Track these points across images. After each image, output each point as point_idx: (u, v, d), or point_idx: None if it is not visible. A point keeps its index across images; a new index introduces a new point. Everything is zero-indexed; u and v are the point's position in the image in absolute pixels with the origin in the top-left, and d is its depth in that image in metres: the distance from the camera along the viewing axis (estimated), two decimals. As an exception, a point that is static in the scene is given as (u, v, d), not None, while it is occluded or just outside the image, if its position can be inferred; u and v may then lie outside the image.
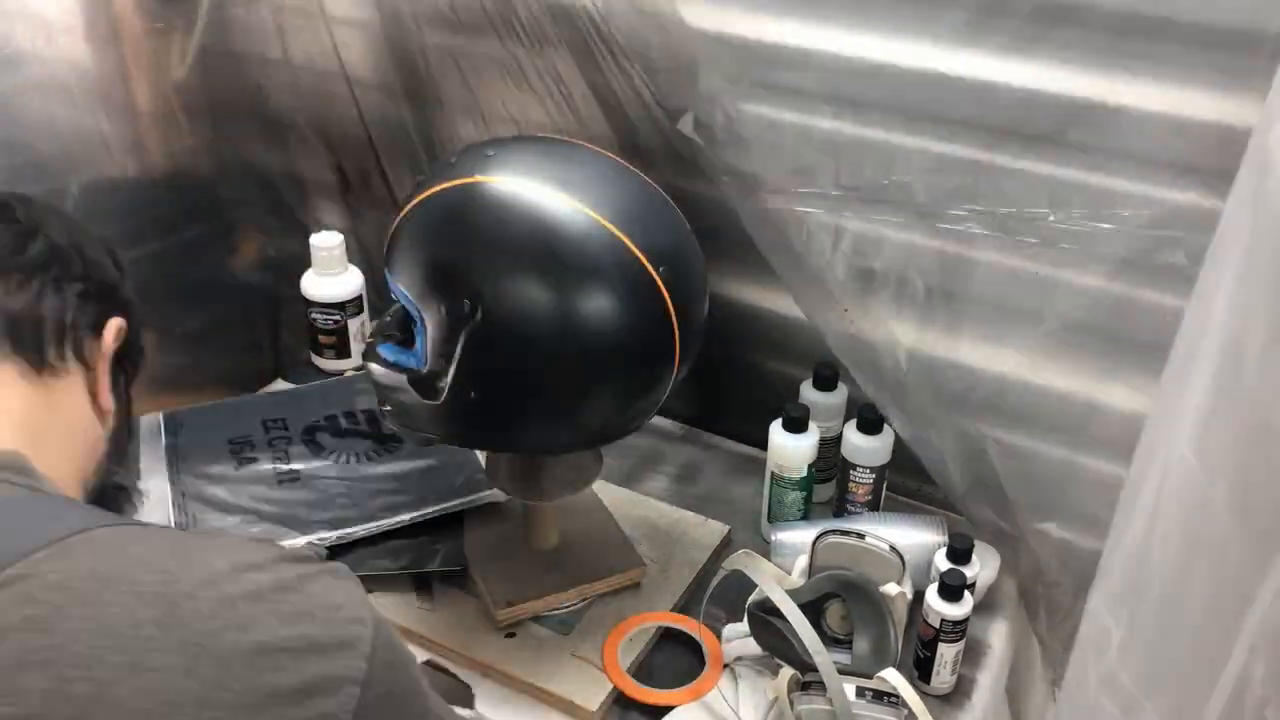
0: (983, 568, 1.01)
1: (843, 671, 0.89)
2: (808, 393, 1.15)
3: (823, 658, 0.87)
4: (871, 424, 1.08)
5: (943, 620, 0.94)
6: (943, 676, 0.98)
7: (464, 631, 1.02)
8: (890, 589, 0.94)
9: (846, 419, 1.13)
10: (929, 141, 0.97)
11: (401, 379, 0.93)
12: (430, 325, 0.88)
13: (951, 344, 1.04)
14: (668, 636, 1.04)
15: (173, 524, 1.07)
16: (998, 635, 1.05)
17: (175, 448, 1.19)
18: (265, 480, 1.15)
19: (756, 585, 0.95)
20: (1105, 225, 0.92)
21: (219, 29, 1.31)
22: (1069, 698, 0.86)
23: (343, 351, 1.38)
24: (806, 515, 1.12)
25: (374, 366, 0.96)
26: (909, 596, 0.96)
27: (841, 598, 0.97)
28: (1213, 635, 0.73)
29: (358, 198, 1.43)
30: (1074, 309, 0.97)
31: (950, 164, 0.97)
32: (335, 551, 1.08)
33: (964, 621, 0.95)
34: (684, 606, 1.06)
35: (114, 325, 0.80)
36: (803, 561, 0.99)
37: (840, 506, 1.14)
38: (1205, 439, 0.71)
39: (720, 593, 1.00)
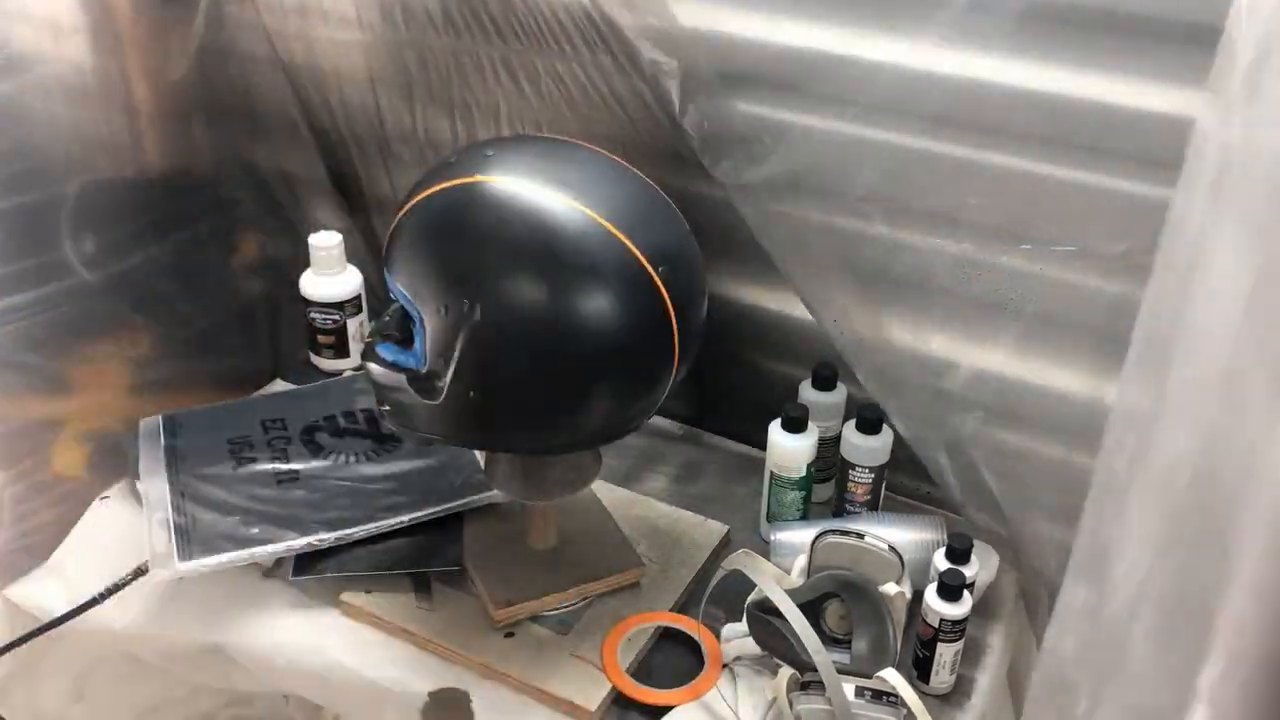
0: (982, 568, 1.01)
1: (842, 671, 0.89)
2: (807, 393, 1.15)
3: (822, 657, 0.87)
4: (870, 424, 1.08)
5: (941, 620, 0.94)
6: (942, 676, 0.98)
7: (463, 631, 1.02)
8: (889, 589, 0.94)
9: (845, 419, 1.13)
10: (929, 141, 0.97)
11: (400, 379, 0.93)
12: (429, 325, 0.88)
13: (951, 344, 1.04)
14: (667, 636, 1.04)
15: (171, 524, 1.07)
16: (997, 635, 1.05)
17: (174, 449, 1.18)
18: (264, 481, 1.15)
19: (755, 585, 0.95)
20: (1105, 225, 0.92)
21: (218, 29, 1.31)
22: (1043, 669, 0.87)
23: (341, 351, 1.38)
24: (805, 515, 1.12)
25: (373, 366, 0.96)
26: (908, 596, 0.96)
27: (840, 597, 0.97)
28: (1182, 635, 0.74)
29: (356, 197, 1.43)
30: (1072, 309, 0.97)
31: (951, 163, 0.97)
32: (334, 551, 1.08)
33: (963, 621, 0.95)
34: (683, 606, 1.06)
35: None
36: (802, 561, 0.99)
37: (839, 506, 1.14)
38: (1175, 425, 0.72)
39: (719, 593, 1.00)
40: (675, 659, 1.02)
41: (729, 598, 1.00)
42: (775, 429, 1.09)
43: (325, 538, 1.07)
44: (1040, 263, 0.96)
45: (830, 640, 0.98)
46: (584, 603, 1.05)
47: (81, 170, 1.18)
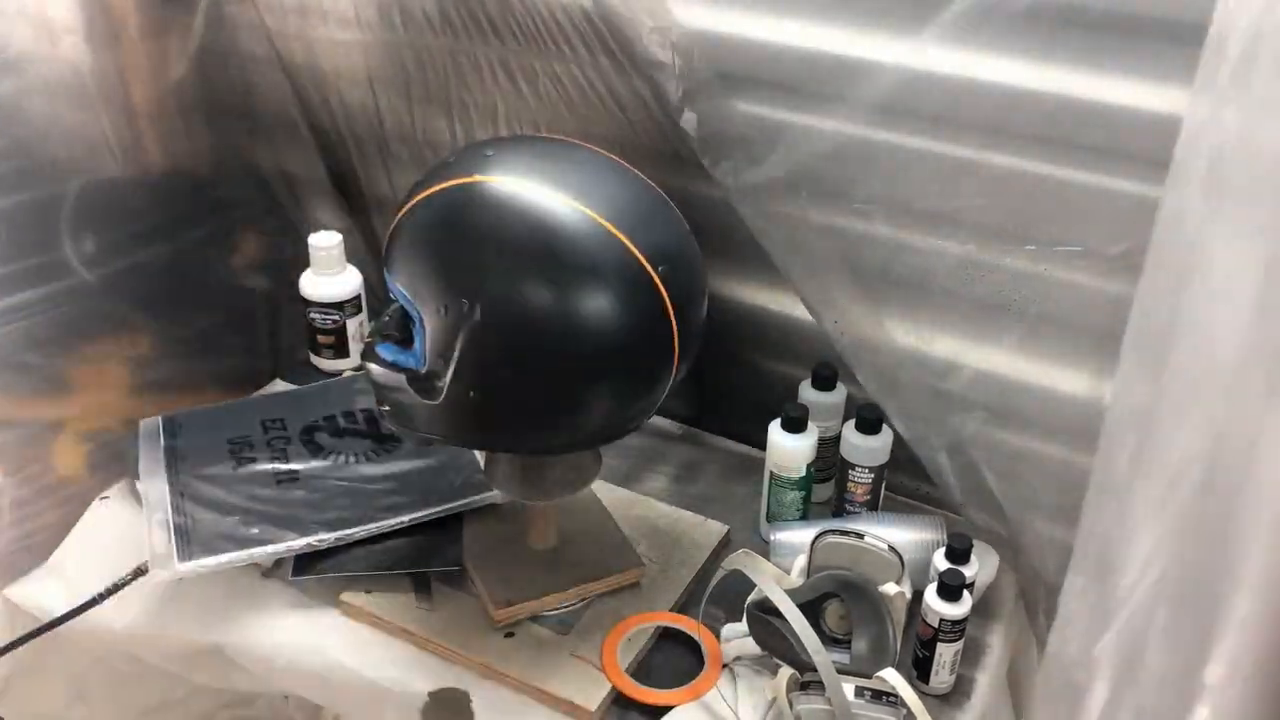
0: (982, 568, 1.01)
1: (841, 671, 0.89)
2: (806, 393, 1.15)
3: (822, 657, 0.87)
4: (870, 424, 1.08)
5: (941, 620, 0.94)
6: (941, 676, 0.98)
7: (463, 631, 1.02)
8: (889, 589, 0.94)
9: (845, 419, 1.13)
10: (930, 142, 0.97)
11: (400, 379, 0.93)
12: (429, 325, 0.88)
13: (951, 344, 1.04)
14: (667, 636, 1.04)
15: (170, 525, 1.07)
16: (997, 635, 1.05)
17: (174, 449, 1.18)
18: (264, 481, 1.15)
19: (755, 585, 0.95)
20: (1106, 225, 0.92)
21: (217, 29, 1.31)
22: (1046, 673, 0.87)
23: (341, 351, 1.38)
24: (805, 515, 1.12)
25: (372, 366, 0.96)
26: (908, 596, 0.96)
27: (840, 597, 0.97)
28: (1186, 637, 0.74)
29: (356, 198, 1.43)
30: (1072, 309, 0.97)
31: (951, 164, 0.97)
32: (334, 551, 1.08)
33: (963, 621, 0.95)
34: (683, 606, 1.06)
35: None
36: (801, 561, 0.99)
37: (839, 506, 1.14)
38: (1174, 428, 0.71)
39: (719, 593, 1.00)
40: (675, 659, 1.02)
41: (729, 598, 1.00)
42: (775, 429, 1.09)
43: (325, 538, 1.07)
44: (1041, 263, 0.96)
45: (830, 640, 0.98)
46: (584, 603, 1.05)
47: (81, 170, 1.18)
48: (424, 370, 0.90)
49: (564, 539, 1.09)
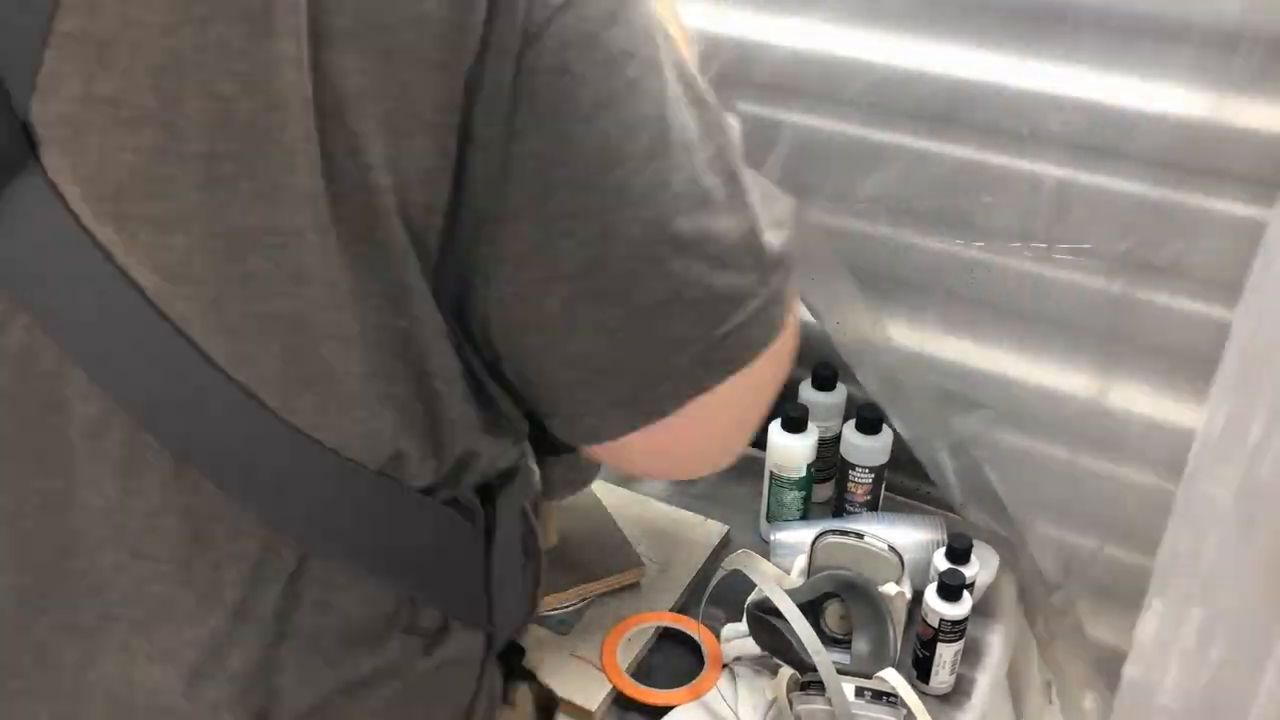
0: (982, 568, 1.01)
1: (842, 671, 0.89)
2: (806, 393, 1.15)
3: (822, 657, 0.87)
4: (870, 424, 1.08)
5: (941, 620, 0.94)
6: (941, 676, 0.97)
7: (463, 631, 1.02)
8: (889, 589, 0.94)
9: (845, 419, 1.12)
10: (930, 142, 0.97)
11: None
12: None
13: (950, 344, 1.04)
14: (667, 636, 1.04)
15: None
16: (997, 635, 1.05)
17: None
18: None
19: (755, 585, 0.95)
20: (1108, 225, 0.92)
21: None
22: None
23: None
24: (805, 515, 1.12)
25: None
26: (908, 596, 0.96)
27: (840, 598, 0.97)
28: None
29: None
30: (1073, 309, 0.97)
31: (951, 164, 0.97)
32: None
33: (963, 621, 0.95)
34: (683, 606, 1.06)
35: None
36: (801, 561, 0.99)
37: (839, 506, 1.14)
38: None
39: (719, 593, 1.00)
40: (675, 659, 1.02)
41: (729, 598, 1.00)
42: (775, 429, 1.09)
43: None
44: (1042, 263, 0.96)
45: (830, 640, 0.97)
46: (584, 603, 1.05)
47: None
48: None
49: (564, 539, 1.09)
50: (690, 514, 1.16)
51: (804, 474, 1.09)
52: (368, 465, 0.54)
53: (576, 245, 0.52)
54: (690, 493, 1.21)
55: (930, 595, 0.95)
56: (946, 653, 0.96)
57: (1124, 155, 0.89)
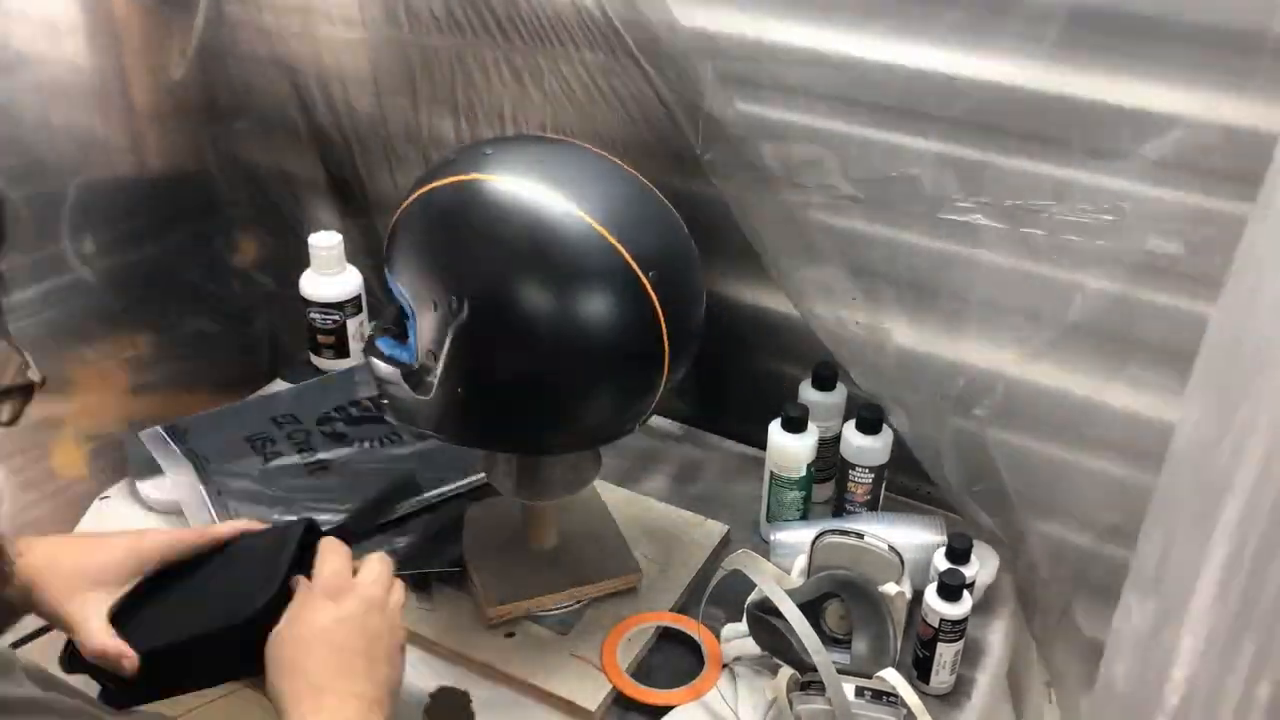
0: (981, 568, 1.01)
1: (842, 671, 0.89)
2: (807, 393, 1.15)
3: (822, 657, 0.87)
4: (870, 424, 1.08)
5: (941, 620, 0.94)
6: (941, 676, 0.97)
7: (464, 631, 1.02)
8: (889, 589, 0.94)
9: (845, 419, 1.13)
10: (929, 142, 0.97)
11: (397, 373, 0.93)
12: (421, 320, 0.88)
13: (949, 343, 1.05)
14: (666, 636, 1.04)
15: (214, 520, 1.07)
16: (996, 635, 1.05)
17: (194, 451, 1.19)
18: (295, 472, 1.16)
19: (755, 585, 0.95)
20: (1104, 224, 0.92)
21: (217, 29, 1.31)
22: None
23: (341, 351, 1.38)
24: (805, 515, 1.12)
25: (373, 360, 0.96)
26: (908, 596, 0.96)
27: (840, 597, 0.97)
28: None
29: (356, 197, 1.43)
30: (1072, 308, 0.97)
31: (950, 164, 0.97)
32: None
33: (963, 621, 0.95)
34: (683, 606, 1.06)
35: None
36: (801, 561, 0.99)
37: (839, 506, 1.14)
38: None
39: (719, 593, 1.00)
40: (675, 659, 1.02)
41: (729, 598, 1.00)
42: (775, 429, 1.09)
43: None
44: (1040, 261, 0.96)
45: (830, 640, 0.98)
46: (579, 604, 1.05)
47: (81, 170, 1.18)
48: (416, 365, 0.90)
49: (564, 539, 1.09)
50: (690, 514, 1.16)
51: (804, 474, 1.09)
52: None
53: None
54: (690, 493, 1.22)
55: (930, 595, 0.95)
56: (947, 653, 0.96)
57: (1122, 155, 0.89)
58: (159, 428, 1.22)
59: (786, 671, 0.92)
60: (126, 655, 0.80)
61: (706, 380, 1.22)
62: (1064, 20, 0.87)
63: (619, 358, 0.87)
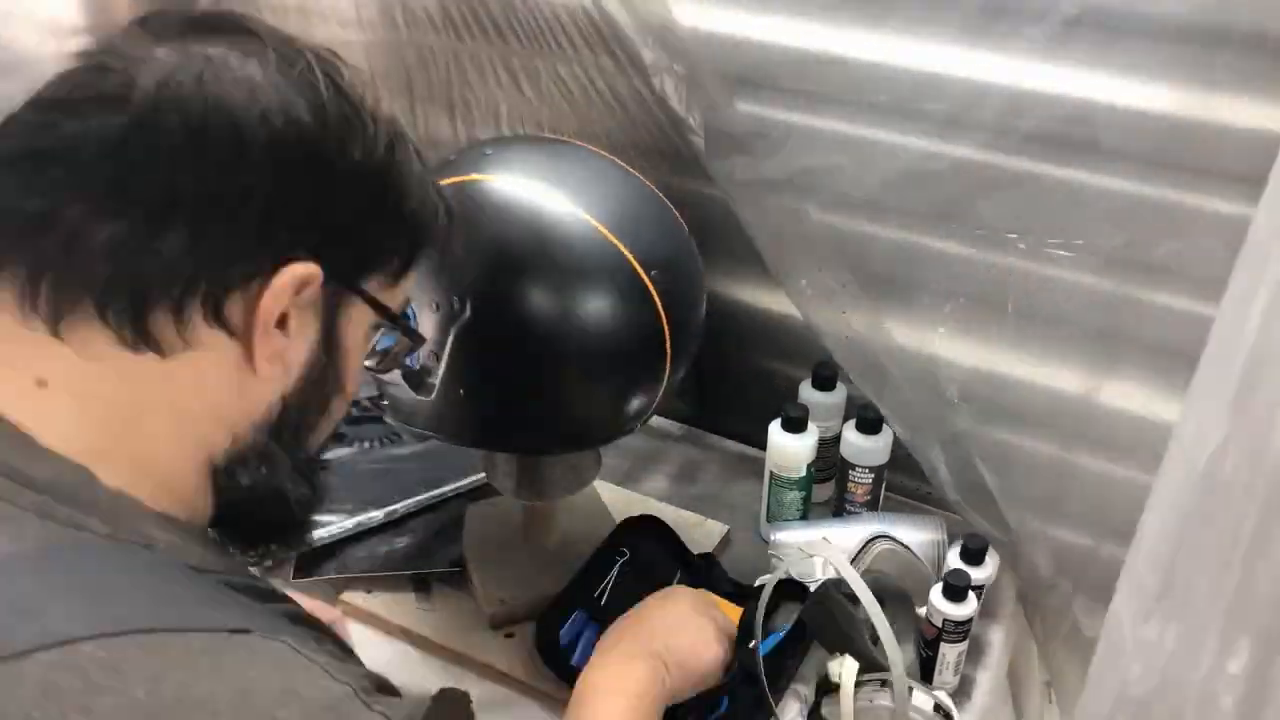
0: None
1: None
2: (807, 393, 1.15)
3: (899, 670, 0.84)
4: (870, 424, 1.08)
5: (945, 620, 0.94)
6: (945, 676, 0.97)
7: (464, 631, 1.02)
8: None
9: (845, 419, 1.13)
10: (929, 142, 0.97)
11: (396, 373, 0.93)
12: (423, 321, 0.88)
13: (948, 343, 1.04)
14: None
15: None
16: (997, 634, 1.05)
17: None
18: None
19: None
20: (1101, 224, 0.92)
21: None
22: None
23: (341, 352, 1.37)
24: (805, 515, 1.12)
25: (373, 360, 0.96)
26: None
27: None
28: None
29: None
30: (1066, 306, 0.97)
31: (949, 163, 0.97)
32: (335, 552, 1.07)
33: (967, 622, 0.94)
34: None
35: (290, 275, 0.57)
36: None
37: (839, 506, 1.14)
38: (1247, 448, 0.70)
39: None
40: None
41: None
42: (775, 429, 1.09)
43: (375, 515, 1.09)
44: (1038, 261, 0.96)
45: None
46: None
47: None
48: (417, 366, 0.90)
49: (565, 539, 1.09)
50: (690, 514, 1.16)
51: (804, 474, 1.09)
52: None
53: None
54: (690, 493, 1.22)
55: (935, 595, 0.95)
56: (950, 653, 0.96)
57: (1120, 154, 0.89)
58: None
59: (853, 663, 0.87)
60: None
61: (706, 380, 1.22)
62: (1064, 20, 0.87)
63: (620, 357, 0.87)
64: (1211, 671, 0.76)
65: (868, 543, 0.96)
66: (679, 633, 0.86)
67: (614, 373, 0.88)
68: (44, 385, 0.55)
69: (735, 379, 1.26)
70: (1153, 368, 0.95)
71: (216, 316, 0.56)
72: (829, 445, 1.13)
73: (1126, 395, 0.97)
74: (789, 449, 1.08)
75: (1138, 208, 0.90)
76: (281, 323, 0.59)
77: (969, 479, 1.07)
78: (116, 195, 0.54)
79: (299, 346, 0.61)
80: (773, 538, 1.08)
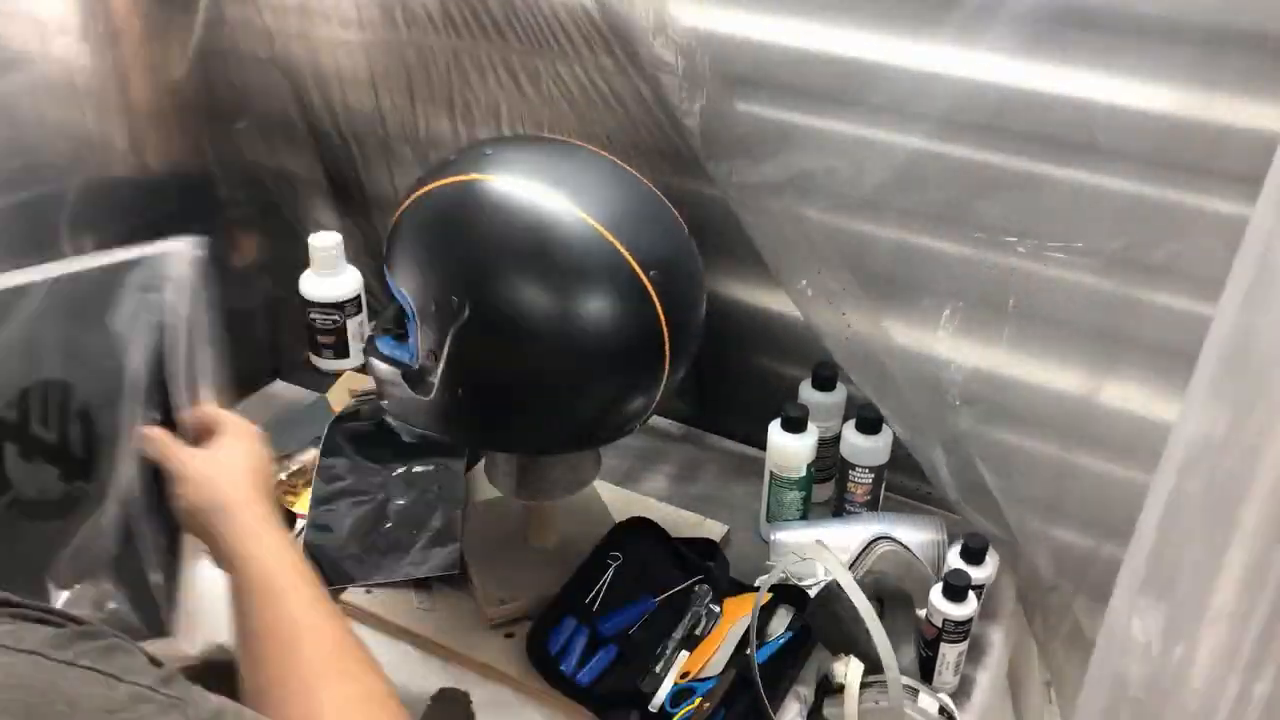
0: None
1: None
2: (807, 393, 1.15)
3: (893, 673, 0.85)
4: (870, 424, 1.08)
5: (945, 620, 0.94)
6: (945, 676, 0.97)
7: (464, 631, 1.02)
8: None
9: (845, 419, 1.13)
10: (928, 142, 0.97)
11: (396, 373, 0.93)
12: (421, 320, 0.88)
13: (947, 344, 1.04)
14: (667, 636, 1.04)
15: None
16: (997, 634, 1.05)
17: None
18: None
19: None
20: (1101, 224, 0.92)
21: (217, 29, 1.31)
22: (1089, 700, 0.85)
23: (341, 351, 1.38)
24: (805, 515, 1.12)
25: (372, 360, 0.96)
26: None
27: (881, 601, 0.95)
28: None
29: (355, 197, 1.43)
30: (1066, 307, 0.97)
31: (949, 164, 0.97)
32: (334, 559, 1.07)
33: (968, 622, 0.94)
34: (683, 606, 1.06)
35: None
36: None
37: (839, 506, 1.14)
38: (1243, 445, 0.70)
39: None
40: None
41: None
42: (775, 429, 1.09)
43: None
44: (1038, 261, 0.96)
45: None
46: (583, 603, 1.05)
47: (81, 170, 1.18)
48: (416, 365, 0.90)
49: (564, 539, 1.09)
50: (690, 514, 1.16)
51: (804, 474, 1.09)
52: None
53: None
54: (690, 493, 1.21)
55: (935, 595, 0.95)
56: (950, 653, 0.96)
57: (1120, 154, 0.89)
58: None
59: (858, 664, 0.89)
60: None
61: (706, 380, 1.22)
62: (1059, 20, 0.87)
63: (620, 357, 0.87)
64: (1212, 669, 0.76)
65: (869, 544, 0.96)
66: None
67: (613, 373, 0.88)
68: None
69: (735, 379, 1.26)
70: (1153, 368, 0.95)
71: None
72: (829, 445, 1.13)
73: (1126, 395, 0.97)
74: (789, 449, 1.08)
75: (1138, 208, 0.90)
76: None
77: (969, 479, 1.06)
78: None
79: None
80: (773, 538, 1.08)
